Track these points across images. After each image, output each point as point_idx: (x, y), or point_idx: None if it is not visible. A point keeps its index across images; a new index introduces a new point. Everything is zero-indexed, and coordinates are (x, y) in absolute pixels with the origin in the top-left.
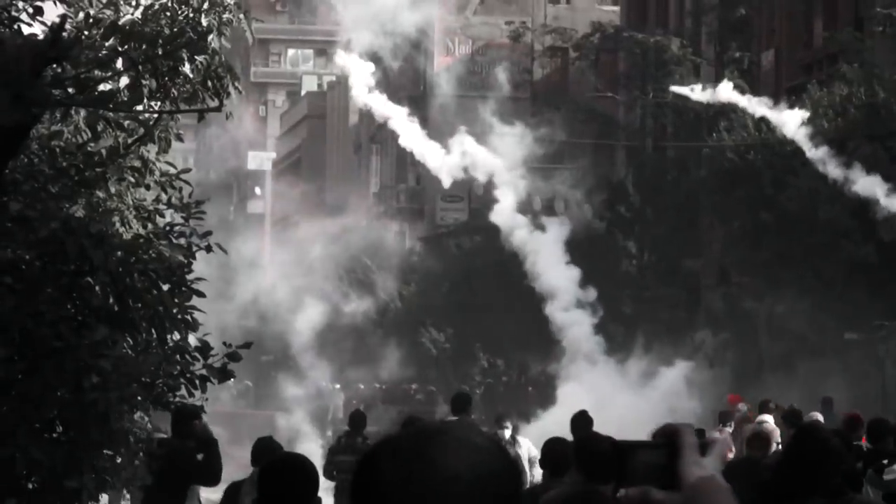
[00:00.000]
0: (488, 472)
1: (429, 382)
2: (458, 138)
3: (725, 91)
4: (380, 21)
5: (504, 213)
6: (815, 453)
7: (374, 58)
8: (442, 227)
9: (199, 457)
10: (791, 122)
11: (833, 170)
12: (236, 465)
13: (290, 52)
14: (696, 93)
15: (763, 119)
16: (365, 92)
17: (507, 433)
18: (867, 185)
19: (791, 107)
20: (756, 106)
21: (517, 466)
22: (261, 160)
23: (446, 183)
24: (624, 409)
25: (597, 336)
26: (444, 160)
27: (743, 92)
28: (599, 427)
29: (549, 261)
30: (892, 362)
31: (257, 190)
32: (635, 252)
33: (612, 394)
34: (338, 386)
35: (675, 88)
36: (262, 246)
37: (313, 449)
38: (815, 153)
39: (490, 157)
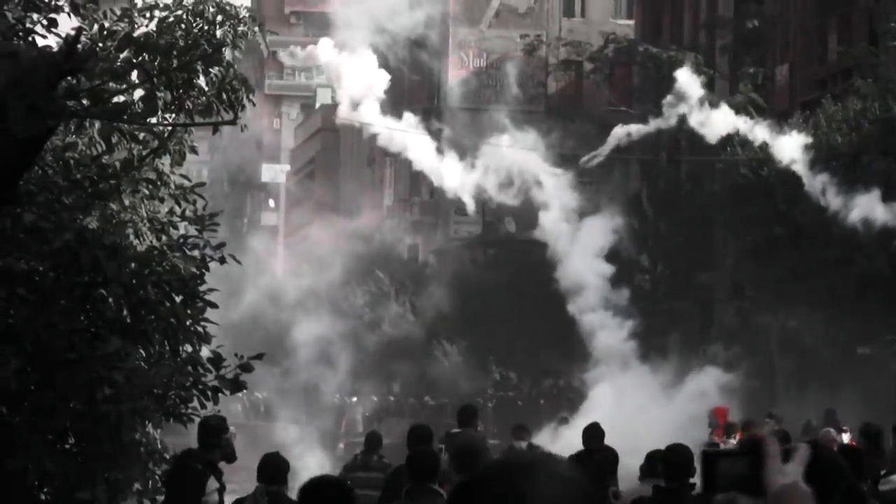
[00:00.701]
0: (579, 500)
1: (441, 395)
2: (485, 150)
3: (723, 115)
4: (392, 34)
5: (550, 217)
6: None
7: (387, 67)
8: (456, 240)
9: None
10: (790, 146)
11: (833, 199)
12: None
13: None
14: (693, 115)
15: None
16: (353, 107)
17: (524, 445)
18: (866, 205)
19: (805, 121)
20: (755, 130)
21: (600, 497)
22: (275, 172)
23: (469, 204)
24: (656, 418)
25: (628, 341)
26: (462, 178)
27: (756, 107)
28: (632, 437)
29: (585, 263)
30: None
31: (271, 202)
32: (648, 265)
33: (640, 402)
34: (355, 399)
35: (669, 105)
36: (276, 257)
37: (313, 463)
38: (815, 182)
39: (533, 160)
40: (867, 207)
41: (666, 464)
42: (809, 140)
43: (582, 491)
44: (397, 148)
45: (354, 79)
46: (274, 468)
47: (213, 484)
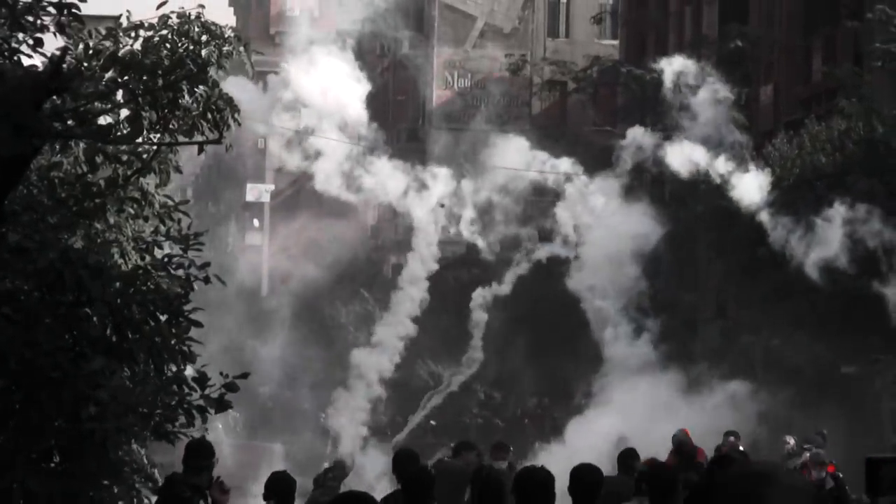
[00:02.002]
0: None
1: (427, 416)
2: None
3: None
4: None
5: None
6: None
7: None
8: (440, 260)
9: None
10: (754, 185)
11: (796, 241)
12: None
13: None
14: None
15: (761, 154)
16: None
17: (504, 465)
18: (825, 250)
19: (789, 141)
20: (719, 166)
21: None
22: (259, 192)
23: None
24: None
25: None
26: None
27: (741, 126)
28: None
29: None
30: (889, 395)
31: (255, 222)
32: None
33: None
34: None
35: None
36: (261, 276)
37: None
38: (777, 226)
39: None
40: (826, 250)
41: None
42: (768, 179)
43: (811, 499)
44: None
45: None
46: (283, 485)
47: None
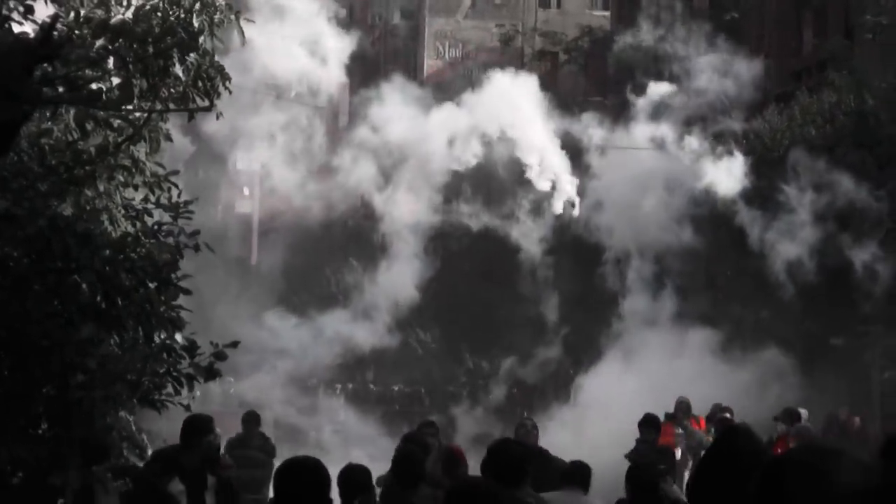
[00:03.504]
0: (875, 488)
1: (415, 383)
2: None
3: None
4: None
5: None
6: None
7: (364, 58)
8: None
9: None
10: (731, 172)
11: (768, 233)
12: None
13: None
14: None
15: (752, 130)
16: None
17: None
18: (795, 248)
19: (780, 114)
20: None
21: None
22: (249, 160)
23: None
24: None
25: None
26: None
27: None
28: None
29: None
30: (878, 367)
31: (245, 190)
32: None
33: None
34: (338, 387)
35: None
36: (250, 246)
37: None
38: (746, 215)
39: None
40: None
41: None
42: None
43: (878, 479)
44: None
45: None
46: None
47: (176, 486)
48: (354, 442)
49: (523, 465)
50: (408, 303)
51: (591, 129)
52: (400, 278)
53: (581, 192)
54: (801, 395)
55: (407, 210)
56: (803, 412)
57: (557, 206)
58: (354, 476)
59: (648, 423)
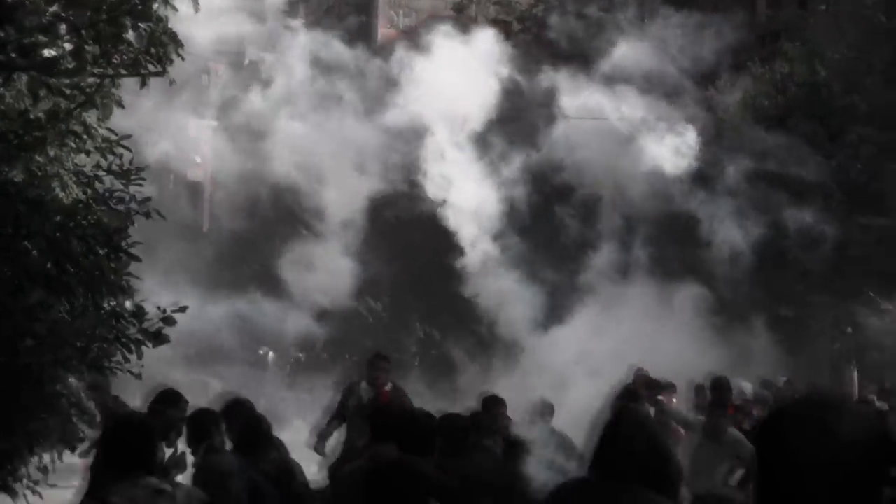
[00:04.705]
0: (878, 441)
1: (365, 352)
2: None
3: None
4: None
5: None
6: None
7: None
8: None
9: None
10: (676, 152)
11: (715, 204)
12: None
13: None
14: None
15: (705, 100)
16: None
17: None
18: (732, 232)
19: (732, 85)
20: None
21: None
22: (201, 128)
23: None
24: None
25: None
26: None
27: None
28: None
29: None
30: (826, 338)
31: (197, 158)
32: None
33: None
34: (271, 353)
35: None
36: (202, 213)
37: None
38: (693, 190)
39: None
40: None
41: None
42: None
43: (878, 428)
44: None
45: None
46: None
47: None
48: (297, 410)
49: (432, 435)
50: (356, 271)
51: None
52: (347, 246)
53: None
54: (746, 366)
55: (350, 178)
56: (747, 385)
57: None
58: (199, 418)
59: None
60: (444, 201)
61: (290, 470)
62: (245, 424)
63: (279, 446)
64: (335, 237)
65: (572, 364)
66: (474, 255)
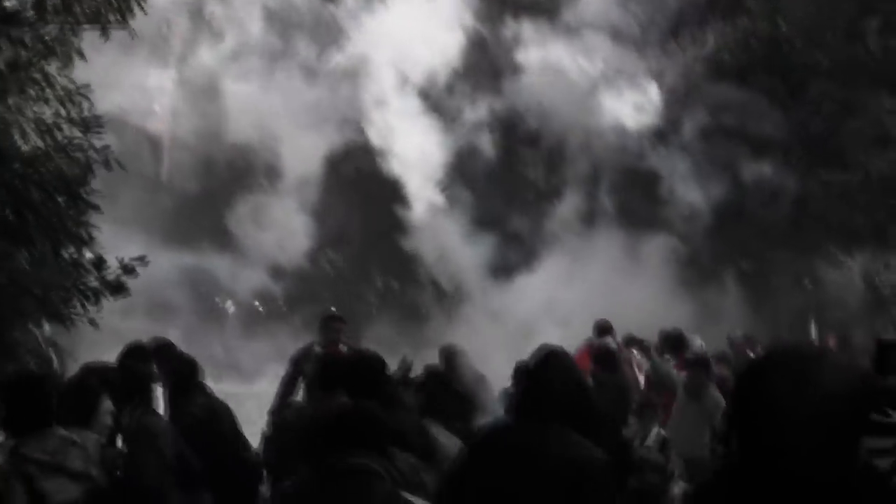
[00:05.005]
0: (858, 391)
1: (325, 301)
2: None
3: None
4: None
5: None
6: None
7: None
8: (338, 150)
9: None
10: (638, 109)
11: (675, 158)
12: None
13: None
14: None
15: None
16: None
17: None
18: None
19: (694, 41)
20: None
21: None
22: (161, 80)
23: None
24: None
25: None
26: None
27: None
28: None
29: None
30: (785, 292)
31: (156, 107)
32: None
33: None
34: (229, 302)
35: None
36: (161, 164)
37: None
38: (655, 147)
39: None
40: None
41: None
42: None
43: (859, 380)
44: None
45: None
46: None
47: (107, 405)
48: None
49: (378, 379)
50: (315, 224)
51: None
52: (304, 203)
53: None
54: (704, 321)
55: (307, 132)
56: (697, 341)
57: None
58: (131, 372)
59: (606, 331)
60: (390, 151)
61: (217, 414)
62: (175, 368)
63: (208, 392)
64: (292, 192)
65: (539, 313)
66: (419, 206)
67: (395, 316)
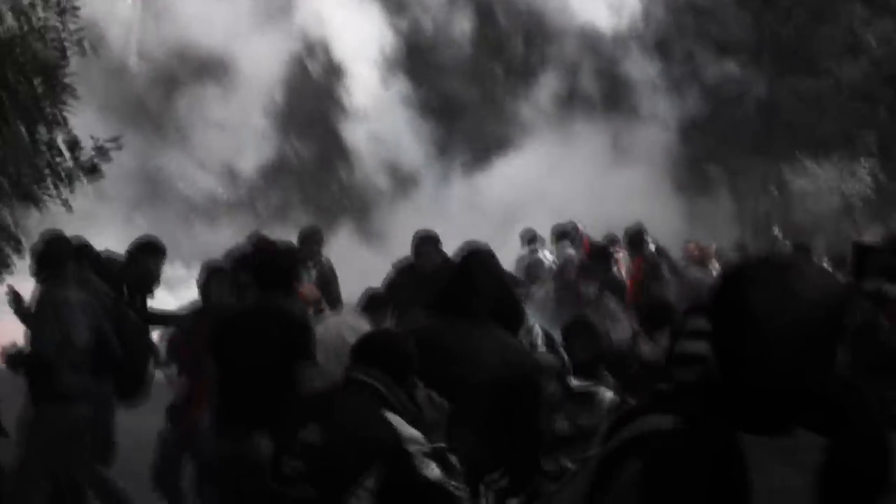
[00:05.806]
0: (836, 299)
1: (288, 192)
2: None
3: None
4: None
5: None
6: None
7: None
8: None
9: None
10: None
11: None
12: None
13: None
14: None
15: None
16: None
17: None
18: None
19: None
20: None
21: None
22: None
23: None
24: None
25: None
26: None
27: None
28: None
29: None
30: (753, 196)
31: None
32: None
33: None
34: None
35: None
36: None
37: None
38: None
39: None
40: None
41: None
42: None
43: (838, 288)
44: None
45: None
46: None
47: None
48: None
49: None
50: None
51: None
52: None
53: None
54: (672, 222)
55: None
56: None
57: None
58: (53, 246)
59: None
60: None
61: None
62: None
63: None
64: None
65: (522, 198)
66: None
67: (359, 206)
